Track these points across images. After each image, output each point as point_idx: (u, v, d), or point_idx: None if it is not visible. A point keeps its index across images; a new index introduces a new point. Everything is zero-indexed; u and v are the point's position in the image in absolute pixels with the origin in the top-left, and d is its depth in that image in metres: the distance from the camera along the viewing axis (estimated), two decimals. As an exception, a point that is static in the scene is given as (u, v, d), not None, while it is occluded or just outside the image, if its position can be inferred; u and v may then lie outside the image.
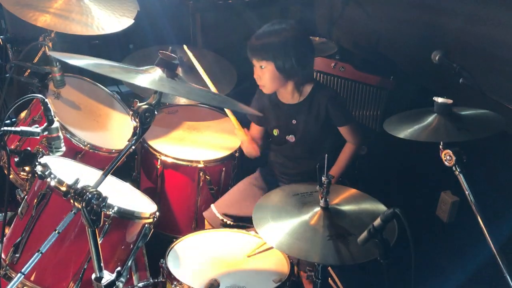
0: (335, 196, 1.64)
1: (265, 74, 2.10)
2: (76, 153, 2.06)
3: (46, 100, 1.64)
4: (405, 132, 1.60)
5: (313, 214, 1.56)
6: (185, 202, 2.34)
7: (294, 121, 2.20)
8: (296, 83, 2.14)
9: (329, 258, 1.43)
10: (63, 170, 1.77)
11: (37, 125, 1.62)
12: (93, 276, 1.41)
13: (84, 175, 1.86)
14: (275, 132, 2.26)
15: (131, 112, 2.35)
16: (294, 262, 1.81)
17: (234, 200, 2.25)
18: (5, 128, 1.54)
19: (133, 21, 2.22)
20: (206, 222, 2.25)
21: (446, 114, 1.60)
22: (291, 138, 2.23)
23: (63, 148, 1.69)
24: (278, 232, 1.52)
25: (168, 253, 1.83)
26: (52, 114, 1.62)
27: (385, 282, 1.36)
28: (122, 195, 1.97)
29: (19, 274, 1.35)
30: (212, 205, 2.25)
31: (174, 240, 1.92)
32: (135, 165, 2.43)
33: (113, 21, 2.18)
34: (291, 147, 2.25)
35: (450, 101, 1.62)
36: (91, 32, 2.11)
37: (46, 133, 1.62)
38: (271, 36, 2.08)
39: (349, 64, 2.73)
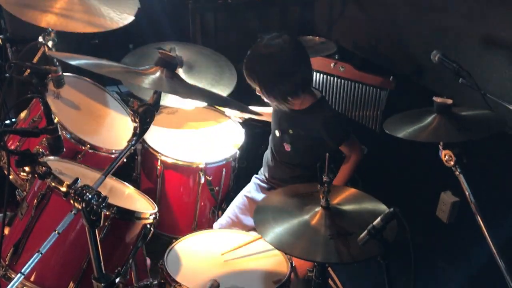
0: (336, 195, 1.64)
1: (262, 95, 2.12)
2: (76, 153, 2.05)
3: (46, 100, 1.64)
4: (405, 132, 1.60)
5: (314, 214, 1.55)
6: (185, 202, 2.34)
7: (291, 131, 2.19)
8: (291, 99, 2.10)
9: (331, 257, 1.43)
10: (63, 170, 1.77)
11: (37, 125, 1.63)
12: (93, 276, 1.41)
13: (84, 175, 1.87)
14: (276, 133, 2.26)
15: (131, 112, 2.37)
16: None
17: (234, 218, 2.24)
18: (5, 128, 1.54)
19: (133, 17, 2.22)
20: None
21: (446, 114, 1.60)
22: (287, 147, 2.23)
23: (63, 148, 1.69)
24: (279, 232, 1.51)
25: (168, 253, 1.83)
26: (52, 114, 1.62)
27: (385, 283, 1.36)
28: (122, 195, 1.97)
29: (19, 275, 1.35)
30: (214, 225, 2.25)
31: (174, 240, 1.92)
32: (135, 165, 2.43)
33: (112, 18, 2.17)
34: (287, 154, 2.25)
35: (450, 101, 1.62)
36: (90, 30, 2.11)
37: (46, 133, 1.62)
38: (254, 63, 2.06)
39: (349, 64, 2.74)
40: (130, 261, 1.80)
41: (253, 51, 2.10)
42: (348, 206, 1.61)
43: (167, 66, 1.60)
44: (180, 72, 2.40)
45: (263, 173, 2.40)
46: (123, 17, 2.20)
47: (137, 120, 1.51)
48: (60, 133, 1.66)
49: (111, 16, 2.17)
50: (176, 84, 1.58)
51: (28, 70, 2.10)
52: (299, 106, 2.15)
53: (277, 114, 2.27)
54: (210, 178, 2.28)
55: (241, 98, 1.93)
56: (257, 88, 2.10)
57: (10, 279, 1.66)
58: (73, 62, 1.53)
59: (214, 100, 1.97)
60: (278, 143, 2.26)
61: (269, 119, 2.39)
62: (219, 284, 1.65)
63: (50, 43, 2.11)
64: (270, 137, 2.34)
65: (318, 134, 2.13)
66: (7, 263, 1.68)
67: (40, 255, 1.35)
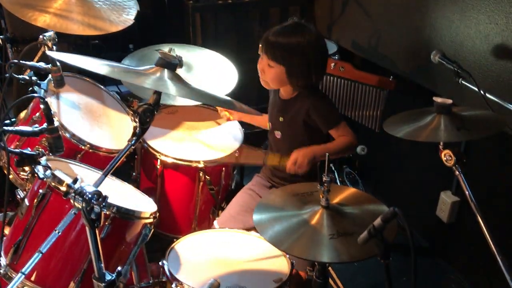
0: (336, 195, 1.64)
1: (270, 73, 2.09)
2: (76, 153, 2.05)
3: (46, 99, 1.64)
4: (404, 132, 1.60)
5: (314, 214, 1.55)
6: (185, 202, 2.34)
7: (281, 118, 2.20)
8: (299, 89, 2.13)
9: (331, 257, 1.43)
10: (63, 170, 1.77)
11: (36, 125, 1.62)
12: (94, 276, 1.41)
13: (84, 175, 1.87)
14: (269, 125, 2.27)
15: (131, 112, 2.37)
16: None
17: (235, 214, 2.24)
18: (5, 128, 1.54)
19: (133, 21, 2.23)
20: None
21: (445, 114, 1.60)
22: (277, 134, 2.24)
23: (63, 148, 1.69)
24: (279, 232, 1.52)
25: (168, 253, 1.83)
26: (52, 114, 1.62)
27: (385, 282, 1.36)
28: (122, 195, 1.97)
29: (19, 274, 1.35)
30: (215, 222, 2.26)
31: (174, 240, 1.92)
32: (135, 165, 2.43)
33: (112, 22, 2.18)
34: (278, 144, 2.25)
35: (450, 101, 1.62)
36: (90, 32, 2.11)
37: (45, 133, 1.62)
38: (291, 39, 2.02)
39: (349, 64, 2.74)
40: (131, 260, 1.80)
41: (284, 27, 2.07)
42: (348, 206, 1.61)
43: (167, 66, 1.60)
44: (180, 72, 2.40)
45: (265, 172, 2.40)
46: (123, 20, 2.20)
47: (137, 120, 1.51)
48: (60, 132, 1.66)
49: (111, 19, 2.18)
50: (176, 84, 1.58)
51: (28, 70, 2.10)
52: (291, 95, 2.17)
53: (271, 106, 2.29)
54: (210, 178, 2.28)
55: (240, 98, 1.94)
56: (276, 69, 2.07)
57: (10, 279, 1.66)
58: (73, 62, 1.53)
59: (214, 101, 1.98)
60: (271, 133, 2.28)
61: (261, 125, 2.42)
62: (220, 283, 1.65)
63: (50, 43, 2.11)
64: (268, 134, 2.35)
65: (307, 117, 2.12)
66: (7, 262, 1.69)
67: (40, 254, 1.35)
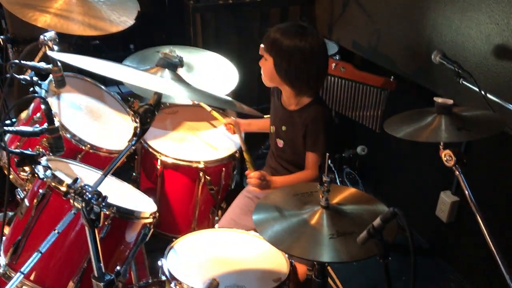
0: (336, 195, 1.64)
1: (265, 66, 2.10)
2: (76, 153, 2.05)
3: (47, 100, 1.65)
4: (405, 132, 1.60)
5: (314, 214, 1.56)
6: (185, 202, 2.34)
7: (284, 127, 2.20)
8: (293, 90, 2.11)
9: (331, 257, 1.43)
10: (63, 170, 1.77)
11: (37, 125, 1.63)
12: (93, 275, 1.41)
13: (84, 175, 1.87)
14: (272, 129, 2.27)
15: (131, 113, 2.38)
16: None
17: (236, 217, 2.24)
18: (6, 128, 1.55)
19: (133, 21, 2.23)
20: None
21: (446, 114, 1.60)
22: (279, 143, 2.23)
23: (63, 148, 1.69)
24: (279, 231, 1.52)
25: (168, 252, 1.83)
26: (53, 114, 1.62)
27: (385, 282, 1.36)
28: (122, 195, 1.97)
29: (18, 274, 1.35)
30: (216, 226, 2.25)
31: (174, 239, 1.92)
32: (135, 165, 2.43)
33: (113, 22, 2.18)
34: (280, 150, 2.25)
35: (450, 101, 1.62)
36: (91, 33, 2.11)
37: (46, 133, 1.63)
38: (286, 36, 2.00)
39: (349, 64, 2.74)
40: (130, 260, 1.80)
41: (288, 24, 2.05)
42: (348, 206, 1.61)
43: (168, 67, 1.61)
44: (181, 72, 2.41)
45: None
46: (123, 20, 2.20)
47: (137, 120, 1.52)
48: (60, 133, 1.66)
49: (112, 19, 2.18)
50: (177, 85, 1.58)
51: (29, 71, 2.11)
52: (295, 106, 2.15)
53: (274, 110, 2.28)
54: (210, 178, 2.28)
55: (241, 99, 1.94)
56: (269, 61, 2.06)
57: (10, 278, 1.66)
58: (73, 63, 1.53)
59: (214, 101, 1.98)
60: (273, 139, 2.27)
61: (262, 129, 2.42)
62: (219, 282, 1.65)
63: (51, 43, 2.11)
64: (269, 135, 2.35)
65: (304, 130, 2.11)
66: (7, 262, 1.69)
67: (39, 254, 1.35)
